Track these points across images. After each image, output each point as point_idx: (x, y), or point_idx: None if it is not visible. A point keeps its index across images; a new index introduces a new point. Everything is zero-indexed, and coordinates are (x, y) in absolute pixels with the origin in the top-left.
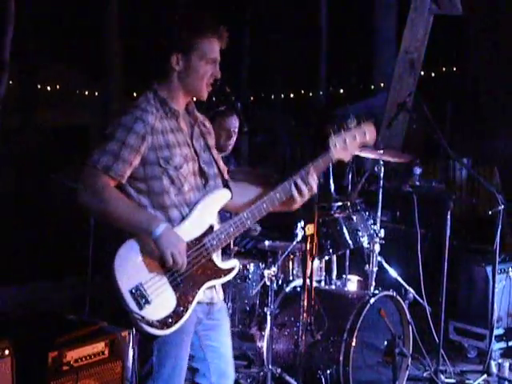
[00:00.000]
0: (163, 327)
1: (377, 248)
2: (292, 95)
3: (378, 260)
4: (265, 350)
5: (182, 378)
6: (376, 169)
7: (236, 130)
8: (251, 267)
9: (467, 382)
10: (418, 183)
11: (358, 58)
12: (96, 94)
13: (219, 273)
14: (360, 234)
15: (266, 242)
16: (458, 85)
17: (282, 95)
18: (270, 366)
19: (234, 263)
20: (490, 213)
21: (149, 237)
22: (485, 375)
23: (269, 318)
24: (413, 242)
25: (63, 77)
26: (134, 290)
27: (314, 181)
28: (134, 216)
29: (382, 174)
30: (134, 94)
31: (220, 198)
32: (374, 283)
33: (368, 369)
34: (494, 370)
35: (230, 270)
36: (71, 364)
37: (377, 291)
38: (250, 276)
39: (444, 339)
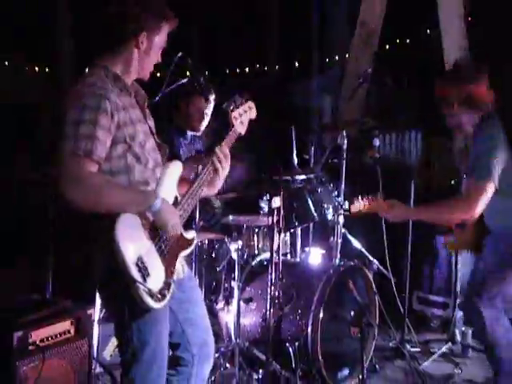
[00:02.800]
0: (161, 299)
1: (341, 220)
2: (247, 70)
3: (342, 232)
4: (232, 324)
5: (166, 354)
6: (339, 140)
7: (208, 112)
8: (217, 242)
9: (432, 350)
10: (377, 155)
11: (311, 31)
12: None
13: (187, 243)
14: (325, 206)
15: (230, 217)
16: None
17: (238, 70)
18: (238, 341)
19: (193, 234)
20: (452, 183)
21: (147, 211)
22: (449, 343)
23: (236, 292)
24: (373, 214)
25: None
26: (139, 263)
27: (228, 156)
28: (128, 196)
29: (345, 146)
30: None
31: (177, 169)
32: (338, 255)
33: (336, 340)
34: (458, 337)
35: (192, 240)
36: (37, 344)
37: (342, 262)
38: (215, 251)
39: (408, 309)
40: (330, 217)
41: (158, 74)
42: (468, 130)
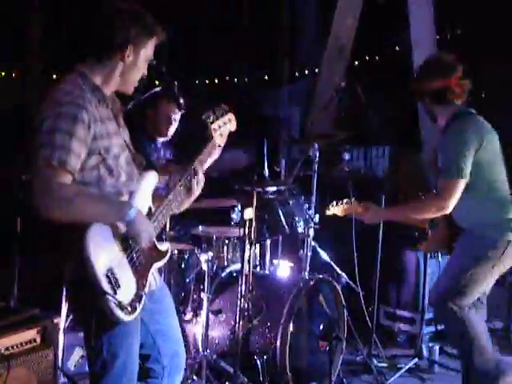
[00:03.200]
0: (131, 312)
1: (311, 233)
2: (216, 81)
3: (312, 245)
4: (200, 336)
5: (136, 366)
6: (311, 153)
7: (177, 118)
8: (187, 253)
9: (399, 365)
10: (346, 168)
11: (279, 43)
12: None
13: (160, 255)
14: (296, 218)
15: (200, 227)
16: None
17: (207, 81)
18: (206, 353)
19: (167, 245)
20: (419, 194)
21: (121, 221)
22: (416, 359)
23: (205, 303)
24: (343, 228)
25: None
26: (108, 274)
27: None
28: (102, 206)
29: (317, 159)
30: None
31: (152, 180)
32: (308, 268)
33: (304, 353)
34: (425, 353)
35: (166, 252)
36: (2, 352)
37: (312, 275)
38: (185, 261)
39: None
40: (300, 229)
41: None
42: (442, 124)
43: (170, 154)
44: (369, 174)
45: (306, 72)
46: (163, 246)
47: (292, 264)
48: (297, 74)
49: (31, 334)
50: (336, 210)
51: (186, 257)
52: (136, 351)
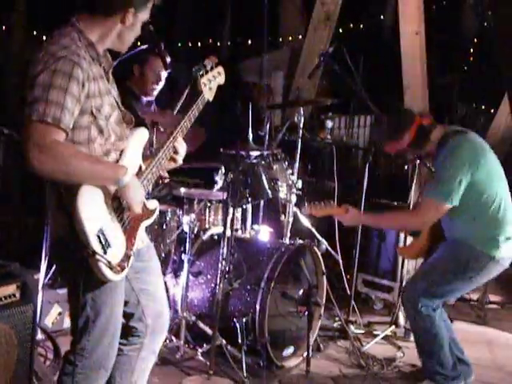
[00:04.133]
0: (120, 271)
1: (293, 198)
2: (199, 44)
3: (294, 211)
4: (179, 297)
5: (119, 324)
6: (296, 119)
7: (163, 76)
8: (168, 214)
9: (375, 332)
10: (329, 137)
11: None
12: None
13: (148, 213)
14: (279, 183)
15: (182, 189)
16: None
17: (190, 44)
18: (185, 314)
19: (156, 203)
20: (405, 168)
21: (114, 185)
22: (392, 326)
23: (185, 265)
24: (324, 195)
25: None
26: (99, 234)
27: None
28: (97, 168)
29: (301, 124)
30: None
31: (142, 137)
32: (289, 234)
33: (282, 318)
34: (402, 321)
35: (154, 211)
36: None
37: (293, 241)
38: (167, 222)
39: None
40: (282, 195)
41: None
42: (433, 148)
43: (154, 111)
44: (351, 143)
45: (290, 38)
46: (151, 205)
47: (272, 230)
48: (281, 39)
49: (10, 289)
50: (314, 209)
51: (167, 218)
52: (120, 309)
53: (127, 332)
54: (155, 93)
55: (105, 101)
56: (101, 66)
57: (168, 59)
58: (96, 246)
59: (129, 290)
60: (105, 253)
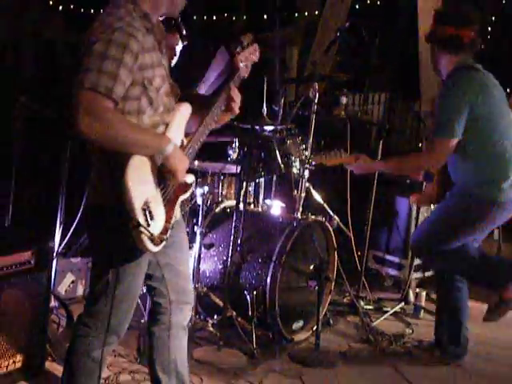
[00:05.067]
0: (159, 243)
1: (306, 174)
2: (214, 18)
3: (306, 186)
4: (191, 269)
5: (136, 296)
6: (311, 94)
7: (178, 49)
8: None
9: (385, 309)
10: (343, 112)
11: None
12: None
13: (185, 187)
14: (292, 158)
15: (195, 162)
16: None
17: (205, 17)
18: (197, 285)
19: (192, 177)
20: (420, 145)
21: (158, 155)
22: (402, 303)
23: (198, 237)
24: (337, 171)
25: None
26: (144, 207)
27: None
28: (142, 136)
29: (316, 100)
30: None
31: (186, 112)
32: (301, 209)
33: (293, 291)
34: (412, 298)
35: (191, 185)
36: None
37: (305, 216)
38: None
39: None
40: (295, 170)
41: None
42: (443, 75)
43: None
44: (365, 120)
45: (306, 14)
46: (189, 178)
47: (284, 205)
48: (296, 15)
49: (26, 255)
50: (323, 158)
51: None
52: (139, 283)
53: (153, 310)
54: (171, 65)
55: (156, 72)
56: (154, 38)
57: (184, 32)
58: (141, 217)
59: (154, 264)
60: (148, 225)
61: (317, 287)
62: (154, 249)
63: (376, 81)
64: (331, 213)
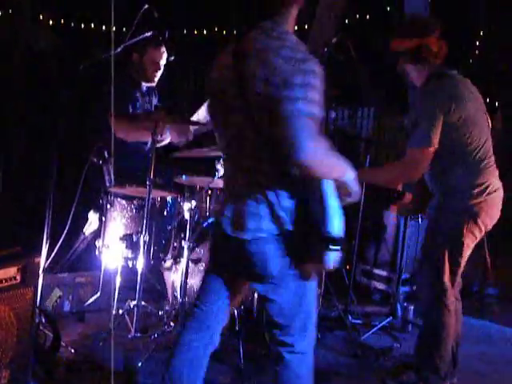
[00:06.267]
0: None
1: None
2: (205, 32)
3: None
4: (179, 284)
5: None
6: None
7: (162, 63)
8: (169, 200)
9: (373, 323)
10: (332, 127)
11: None
12: None
13: None
14: None
15: (183, 177)
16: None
17: (195, 31)
18: (184, 300)
19: None
20: None
21: (344, 178)
22: (390, 317)
23: (185, 252)
24: None
25: None
26: None
27: None
28: (339, 163)
29: None
30: None
31: None
32: None
33: None
34: (399, 312)
35: None
36: None
37: None
38: (167, 209)
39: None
40: None
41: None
42: (418, 86)
43: (157, 99)
44: (354, 134)
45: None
46: None
47: None
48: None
49: (12, 271)
50: None
51: (168, 205)
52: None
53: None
54: (155, 79)
55: None
56: None
57: (168, 46)
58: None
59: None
60: None
61: None
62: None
63: (365, 95)
64: None
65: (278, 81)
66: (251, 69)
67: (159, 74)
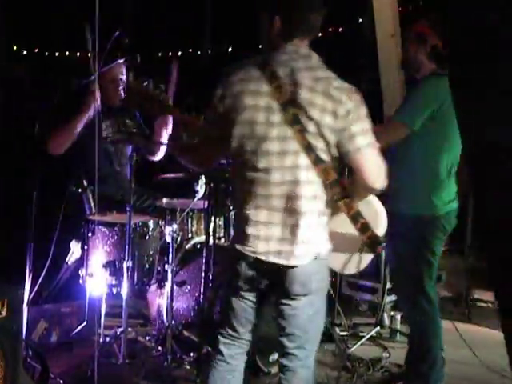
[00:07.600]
0: None
1: None
2: (180, 53)
3: None
4: (164, 307)
5: None
6: None
7: (123, 78)
8: (151, 224)
9: (361, 334)
10: None
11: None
12: None
13: None
14: None
15: (164, 200)
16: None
17: (170, 53)
18: (171, 324)
19: None
20: None
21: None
22: (378, 327)
23: (169, 275)
24: None
25: None
26: None
27: None
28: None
29: None
30: None
31: None
32: None
33: (268, 324)
34: (387, 322)
35: None
36: None
37: None
38: (149, 233)
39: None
40: None
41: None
42: (419, 73)
43: (137, 117)
44: None
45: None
46: None
47: None
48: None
49: None
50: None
51: (150, 229)
52: None
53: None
54: (120, 97)
55: None
56: None
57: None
58: None
59: None
60: None
61: None
62: None
63: None
64: None
65: (342, 112)
66: (307, 98)
67: (121, 90)
